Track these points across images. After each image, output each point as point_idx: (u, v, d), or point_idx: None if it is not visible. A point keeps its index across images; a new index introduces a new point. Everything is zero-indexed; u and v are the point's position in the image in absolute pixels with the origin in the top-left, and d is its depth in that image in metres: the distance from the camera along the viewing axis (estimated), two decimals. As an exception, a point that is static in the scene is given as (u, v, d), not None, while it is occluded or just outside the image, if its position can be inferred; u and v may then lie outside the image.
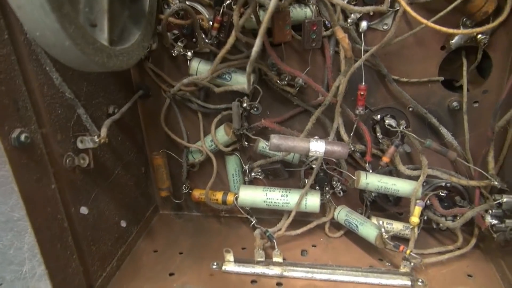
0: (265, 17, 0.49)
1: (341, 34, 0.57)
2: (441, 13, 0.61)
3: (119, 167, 0.76)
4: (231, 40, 0.62)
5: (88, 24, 0.53)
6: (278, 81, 0.72)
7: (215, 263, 0.74)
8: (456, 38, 0.67)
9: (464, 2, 0.61)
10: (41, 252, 0.53)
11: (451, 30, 0.54)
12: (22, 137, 0.49)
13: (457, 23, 0.66)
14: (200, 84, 0.76)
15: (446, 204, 0.77)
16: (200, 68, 0.73)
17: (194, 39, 0.74)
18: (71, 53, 0.47)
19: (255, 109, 0.78)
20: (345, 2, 0.66)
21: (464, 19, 0.66)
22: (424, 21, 0.54)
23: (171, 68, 0.79)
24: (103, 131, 0.62)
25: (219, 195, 0.82)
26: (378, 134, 0.76)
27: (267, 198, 0.76)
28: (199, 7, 0.72)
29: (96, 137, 0.60)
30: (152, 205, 0.92)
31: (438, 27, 0.54)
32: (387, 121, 0.75)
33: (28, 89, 0.52)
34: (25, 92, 0.52)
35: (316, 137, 0.69)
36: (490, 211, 0.68)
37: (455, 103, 0.72)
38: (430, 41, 0.69)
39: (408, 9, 0.55)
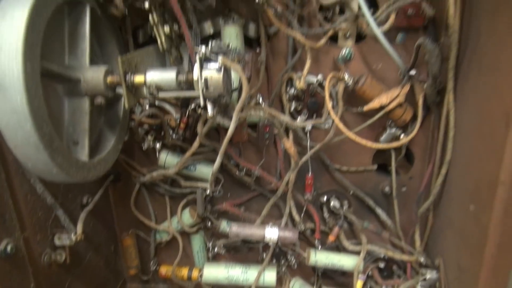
0: (224, 140, 0.59)
1: (288, 144, 0.68)
2: (368, 122, 0.75)
3: (90, 251, 0.81)
4: (195, 144, 0.72)
5: (71, 143, 0.61)
6: (237, 172, 0.82)
7: None
8: (384, 136, 0.80)
9: (388, 113, 0.75)
10: None
11: (374, 145, 0.67)
12: (8, 249, 0.55)
13: (384, 124, 0.80)
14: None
15: (385, 273, 0.88)
16: (168, 160, 0.82)
17: (162, 133, 0.84)
18: (57, 176, 0.54)
19: (218, 192, 0.88)
20: (293, 107, 0.79)
21: (390, 122, 0.80)
22: (351, 135, 0.67)
23: (140, 156, 0.88)
24: (79, 227, 0.69)
25: (184, 271, 0.89)
26: (325, 214, 0.87)
27: (228, 275, 0.84)
28: (167, 106, 0.82)
29: (72, 234, 0.67)
30: (120, 280, 0.97)
31: (363, 141, 0.67)
32: (332, 203, 0.86)
33: (14, 200, 0.59)
34: (11, 204, 0.58)
35: (270, 223, 0.79)
36: (419, 283, 0.80)
37: (387, 188, 0.85)
38: (364, 137, 0.82)
39: (341, 126, 0.67)
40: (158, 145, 0.84)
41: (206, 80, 0.56)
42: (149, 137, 0.83)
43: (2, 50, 0.46)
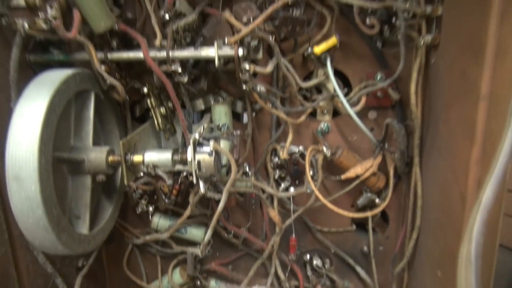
0: (215, 214, 0.65)
1: (272, 213, 0.75)
2: (346, 190, 0.82)
3: (83, 314, 0.84)
4: (187, 212, 0.78)
5: (73, 217, 0.66)
6: (225, 235, 0.88)
7: None
8: (361, 200, 0.87)
9: (363, 181, 0.83)
10: None
11: (350, 214, 0.74)
12: (11, 321, 0.59)
13: (361, 188, 0.88)
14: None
15: (367, 329, 0.92)
16: (160, 223, 0.87)
17: (155, 197, 0.89)
18: (61, 251, 0.59)
19: (207, 252, 0.93)
20: (277, 175, 0.86)
21: (365, 187, 0.87)
22: (329, 205, 0.74)
23: (133, 217, 0.93)
24: (76, 294, 0.73)
25: (174, 331, 0.92)
26: (308, 272, 0.93)
27: (217, 335, 0.88)
28: (160, 172, 0.88)
29: (70, 301, 0.71)
30: (110, 338, 0.99)
31: (341, 211, 0.74)
32: (314, 262, 0.92)
33: (17, 272, 0.63)
34: (15, 276, 0.62)
35: (256, 285, 0.84)
36: None
37: (365, 248, 0.91)
38: (343, 200, 0.89)
39: (320, 197, 0.74)
40: (151, 209, 0.89)
41: (199, 162, 0.63)
42: (143, 201, 0.88)
43: (21, 145, 0.52)
